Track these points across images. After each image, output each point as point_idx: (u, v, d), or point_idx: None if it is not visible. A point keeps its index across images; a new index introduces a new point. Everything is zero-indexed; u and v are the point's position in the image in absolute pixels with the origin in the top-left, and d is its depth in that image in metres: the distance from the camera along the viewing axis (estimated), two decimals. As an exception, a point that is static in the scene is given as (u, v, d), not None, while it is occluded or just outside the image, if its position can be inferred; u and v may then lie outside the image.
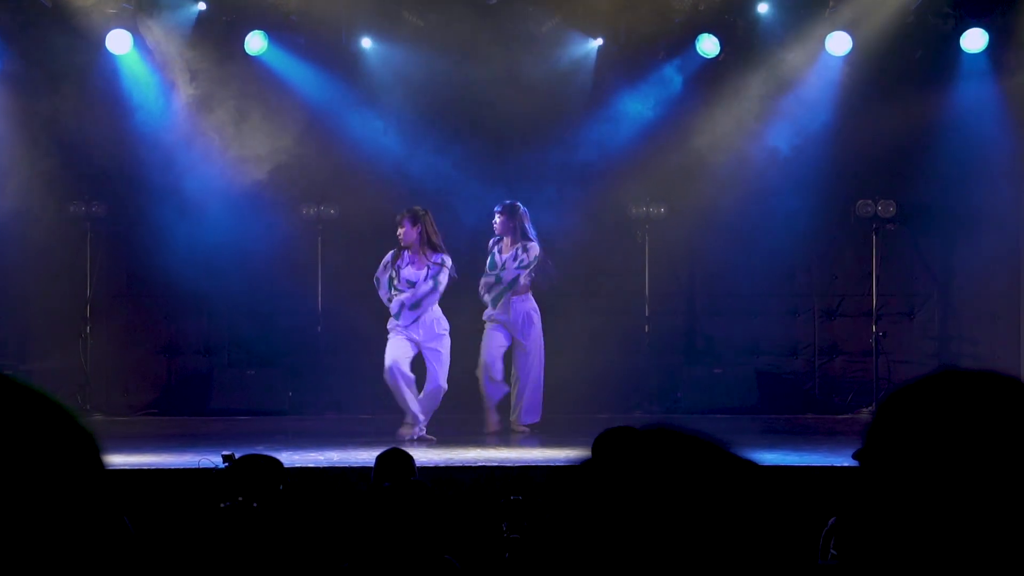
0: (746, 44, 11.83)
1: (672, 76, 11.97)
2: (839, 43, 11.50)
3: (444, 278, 9.87)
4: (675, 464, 1.05)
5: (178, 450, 8.85)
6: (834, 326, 12.34)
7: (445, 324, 9.99)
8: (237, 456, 5.25)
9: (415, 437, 9.67)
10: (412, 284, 9.87)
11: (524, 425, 10.45)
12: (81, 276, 11.96)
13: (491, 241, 10.49)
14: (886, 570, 1.16)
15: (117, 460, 8.05)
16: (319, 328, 12.03)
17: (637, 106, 12.06)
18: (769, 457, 8.24)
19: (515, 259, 10.32)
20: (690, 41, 11.71)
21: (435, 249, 9.92)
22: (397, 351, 9.88)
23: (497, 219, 10.39)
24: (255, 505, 4.11)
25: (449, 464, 8.11)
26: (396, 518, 5.04)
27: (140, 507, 6.81)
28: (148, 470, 7.52)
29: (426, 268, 9.87)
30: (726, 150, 12.04)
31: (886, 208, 11.97)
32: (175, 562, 4.44)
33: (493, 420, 10.45)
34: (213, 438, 9.39)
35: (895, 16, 11.40)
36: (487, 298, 10.43)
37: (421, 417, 9.83)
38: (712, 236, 12.16)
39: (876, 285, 12.14)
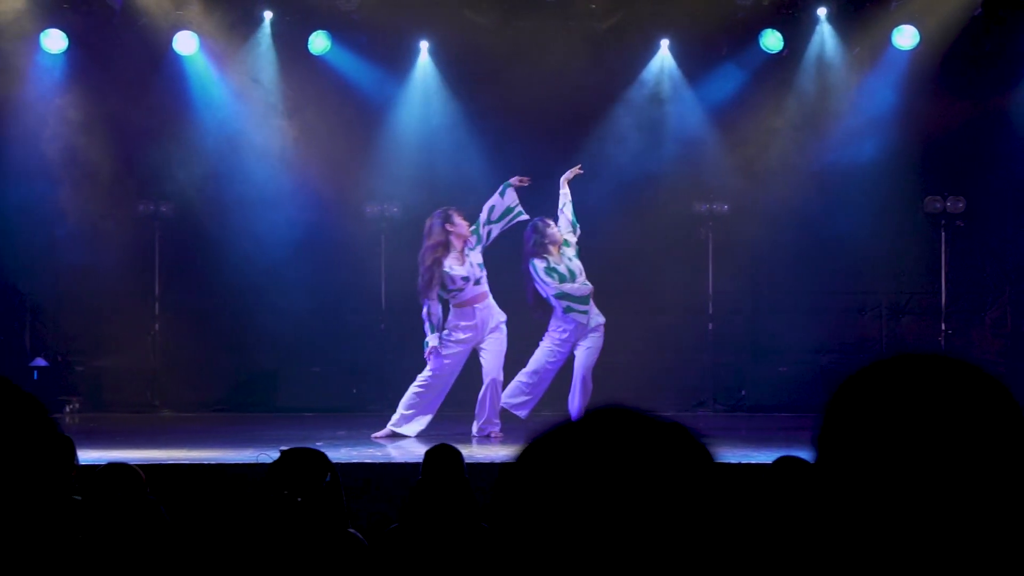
0: (810, 39, 11.72)
1: (735, 72, 11.88)
2: (905, 37, 11.35)
3: None
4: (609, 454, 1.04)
5: (241, 446, 8.96)
6: (901, 324, 12.17)
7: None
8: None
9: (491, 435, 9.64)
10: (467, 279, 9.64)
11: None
12: (150, 274, 12.15)
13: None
14: (845, 553, 1.15)
15: (182, 455, 8.18)
16: (382, 326, 12.12)
17: (700, 102, 11.99)
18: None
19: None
20: (753, 37, 11.62)
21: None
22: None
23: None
24: (299, 500, 4.15)
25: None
26: (447, 510, 5.07)
27: (197, 501, 6.92)
28: (208, 465, 7.62)
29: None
30: (790, 146, 11.94)
31: (955, 204, 11.80)
32: (220, 551, 4.50)
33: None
34: (277, 434, 9.49)
35: (963, 9, 11.22)
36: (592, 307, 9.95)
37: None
38: (776, 233, 12.05)
39: (945, 282, 11.97)
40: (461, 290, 9.58)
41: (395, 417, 9.81)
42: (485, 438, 9.62)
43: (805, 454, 5.16)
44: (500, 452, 8.76)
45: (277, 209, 11.87)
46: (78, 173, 11.76)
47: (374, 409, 11.90)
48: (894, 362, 1.19)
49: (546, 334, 9.84)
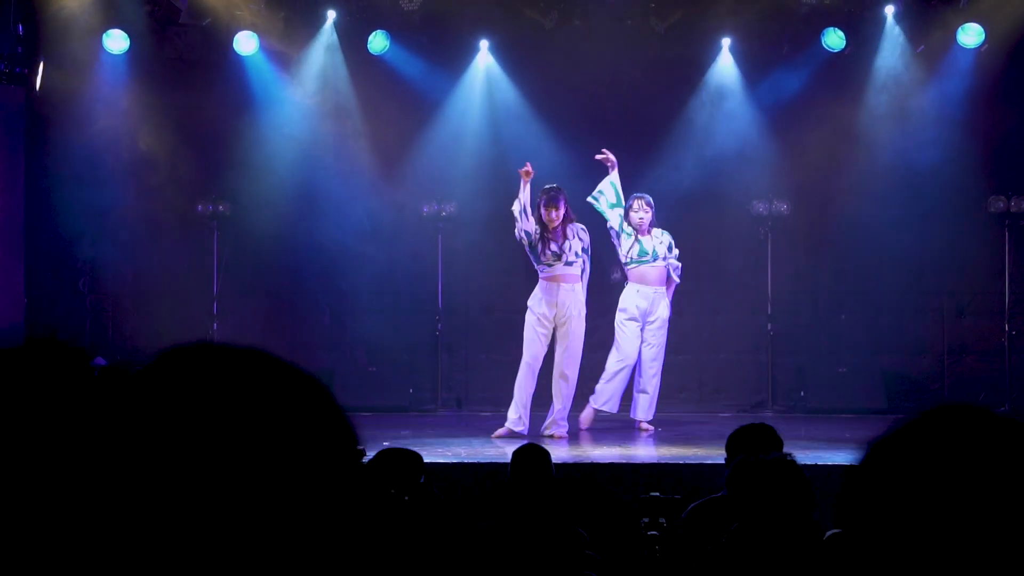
0: (873, 37, 11.62)
1: (797, 71, 11.80)
2: (971, 35, 11.23)
3: None
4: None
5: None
6: (963, 325, 12.03)
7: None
8: (369, 452, 5.29)
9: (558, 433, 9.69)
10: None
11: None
12: (208, 274, 12.19)
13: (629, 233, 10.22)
14: None
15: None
16: (439, 326, 12.10)
17: (761, 102, 11.92)
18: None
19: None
20: (816, 35, 11.53)
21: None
22: None
23: (649, 211, 10.22)
24: (406, 498, 4.13)
25: (579, 461, 8.09)
26: (536, 511, 5.03)
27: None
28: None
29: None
30: (851, 146, 11.84)
31: (1019, 204, 11.68)
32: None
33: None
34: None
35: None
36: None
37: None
38: (836, 233, 11.96)
39: (1008, 283, 11.83)
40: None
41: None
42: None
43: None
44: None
45: (335, 209, 11.89)
46: (138, 173, 11.81)
47: (429, 409, 11.90)
48: (927, 424, 1.07)
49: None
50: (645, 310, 10.12)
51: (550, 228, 9.66)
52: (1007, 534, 0.99)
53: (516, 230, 9.71)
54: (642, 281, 10.15)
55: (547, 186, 9.91)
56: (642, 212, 10.12)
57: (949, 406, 1.04)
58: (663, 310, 10.17)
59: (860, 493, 1.04)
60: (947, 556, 1.00)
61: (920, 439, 1.02)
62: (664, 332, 10.20)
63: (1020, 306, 11.92)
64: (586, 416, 10.22)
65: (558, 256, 9.64)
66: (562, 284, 9.68)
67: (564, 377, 9.71)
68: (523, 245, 9.74)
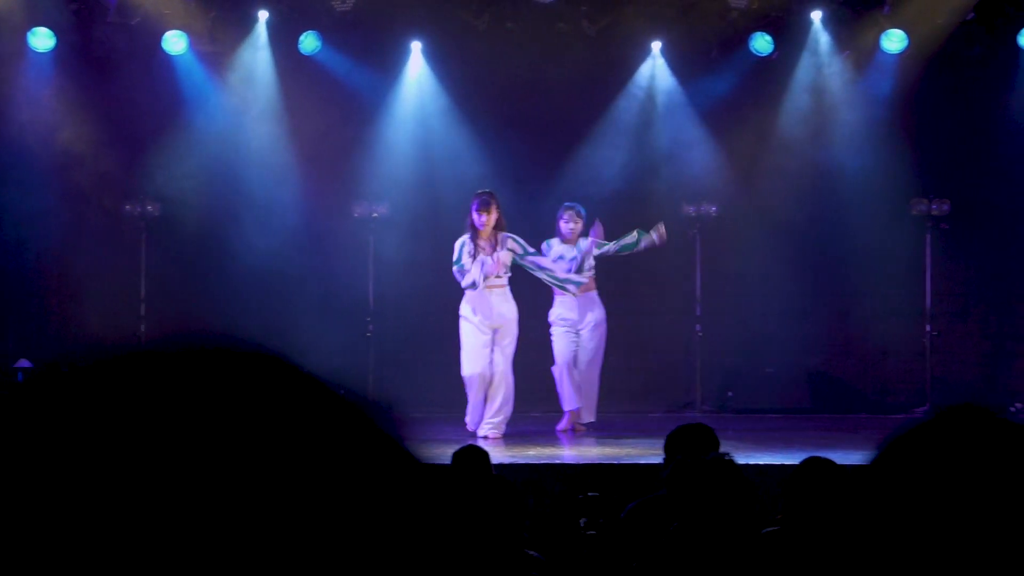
0: (800, 42, 11.81)
1: (726, 74, 11.95)
2: (895, 41, 11.46)
3: None
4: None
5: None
6: (886, 326, 12.26)
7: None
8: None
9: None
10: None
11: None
12: (136, 275, 12.03)
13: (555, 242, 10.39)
14: None
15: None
16: (370, 328, 12.04)
17: (691, 105, 12.06)
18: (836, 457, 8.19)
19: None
20: (744, 40, 11.68)
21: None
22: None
23: (579, 221, 10.30)
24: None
25: (516, 462, 8.13)
26: (474, 512, 5.07)
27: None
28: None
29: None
30: (777, 148, 12.02)
31: (940, 206, 11.92)
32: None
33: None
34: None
35: (954, 13, 11.33)
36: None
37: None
38: (764, 235, 12.13)
39: (930, 284, 12.08)
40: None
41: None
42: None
43: (800, 455, 5.20)
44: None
45: (265, 210, 11.83)
46: (65, 173, 11.65)
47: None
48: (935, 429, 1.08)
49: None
50: (573, 319, 10.24)
51: (481, 236, 9.64)
52: (1014, 538, 1.02)
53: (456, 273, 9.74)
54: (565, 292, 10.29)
55: (480, 191, 9.93)
56: (572, 222, 10.21)
57: (961, 407, 1.06)
58: (592, 316, 10.28)
59: (873, 492, 1.06)
60: (952, 556, 1.03)
61: (935, 439, 1.04)
62: (599, 335, 10.31)
63: (941, 307, 12.17)
64: (564, 423, 10.34)
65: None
66: (494, 291, 9.72)
67: (502, 380, 9.75)
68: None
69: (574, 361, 10.26)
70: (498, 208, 9.75)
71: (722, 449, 4.89)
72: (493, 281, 9.75)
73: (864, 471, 1.08)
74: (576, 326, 10.30)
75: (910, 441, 1.06)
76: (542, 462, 8.11)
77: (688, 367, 12.18)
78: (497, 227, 9.75)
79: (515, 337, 9.82)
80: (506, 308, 9.76)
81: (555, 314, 10.35)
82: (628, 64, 12.07)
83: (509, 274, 9.88)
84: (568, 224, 10.25)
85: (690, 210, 12.06)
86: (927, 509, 1.03)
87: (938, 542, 1.02)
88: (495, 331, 9.77)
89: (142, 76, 11.67)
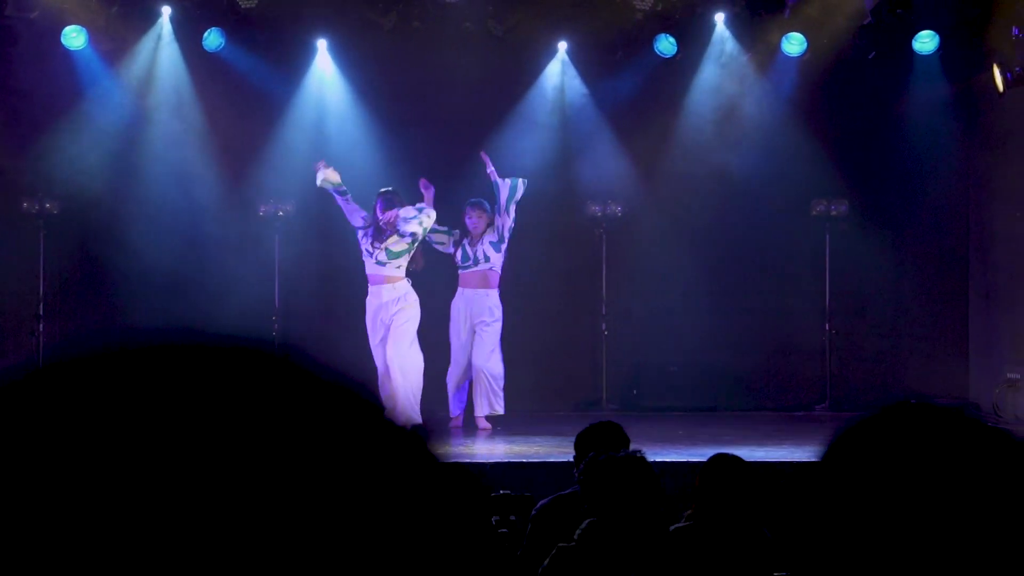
0: (703, 44, 11.96)
1: (631, 75, 12.06)
2: (795, 44, 11.66)
3: None
4: None
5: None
6: (788, 324, 12.47)
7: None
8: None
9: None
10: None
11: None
12: (35, 274, 11.81)
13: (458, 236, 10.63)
14: None
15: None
16: (275, 327, 11.95)
17: (596, 105, 12.15)
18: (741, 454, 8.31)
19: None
20: (649, 41, 11.79)
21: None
22: None
23: (484, 216, 10.51)
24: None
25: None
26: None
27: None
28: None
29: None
30: (682, 150, 12.17)
31: (839, 207, 12.16)
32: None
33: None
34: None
35: (851, 18, 11.57)
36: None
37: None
38: (669, 235, 12.27)
39: (829, 283, 12.32)
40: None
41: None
42: None
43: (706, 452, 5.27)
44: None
45: (168, 207, 11.67)
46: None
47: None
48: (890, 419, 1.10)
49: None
50: (470, 313, 10.38)
51: (383, 229, 9.89)
52: (971, 532, 1.03)
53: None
54: (466, 285, 10.50)
55: (383, 189, 10.13)
56: (476, 218, 10.40)
57: (907, 403, 1.08)
58: (489, 312, 10.41)
59: (821, 489, 1.08)
60: (904, 555, 1.04)
61: (881, 435, 1.06)
62: (495, 331, 10.42)
63: (839, 306, 12.42)
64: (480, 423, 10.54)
65: (370, 255, 10.06)
66: (384, 286, 9.98)
67: (396, 373, 9.84)
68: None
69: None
70: (401, 207, 9.98)
71: (635, 447, 4.95)
72: (374, 268, 10.07)
73: (813, 469, 1.10)
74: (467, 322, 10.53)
75: (856, 438, 1.09)
76: (451, 461, 8.11)
77: (594, 365, 12.27)
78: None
79: (405, 332, 9.93)
80: (390, 300, 10.00)
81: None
82: (534, 64, 12.13)
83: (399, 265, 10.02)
84: (474, 220, 10.40)
85: (596, 210, 12.16)
86: (878, 504, 1.05)
87: (889, 537, 1.04)
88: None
89: (40, 71, 11.44)
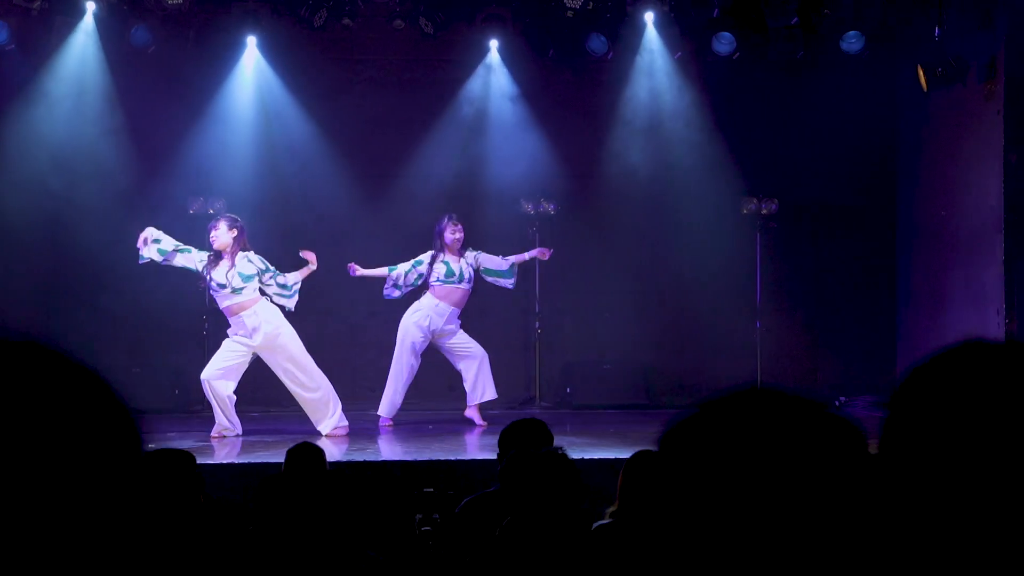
0: (633, 43, 12.01)
1: (562, 74, 12.10)
2: (725, 43, 11.74)
3: None
4: None
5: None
6: (720, 322, 12.57)
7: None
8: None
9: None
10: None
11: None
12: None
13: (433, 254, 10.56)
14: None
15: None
16: (206, 327, 11.86)
17: (528, 104, 12.16)
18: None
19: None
20: (580, 39, 11.82)
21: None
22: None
23: (461, 230, 10.53)
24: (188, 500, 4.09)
25: (353, 459, 8.10)
26: (310, 510, 5.03)
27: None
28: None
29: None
30: (614, 149, 12.22)
31: (768, 206, 12.27)
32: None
33: None
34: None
35: (778, 18, 11.65)
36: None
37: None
38: (601, 233, 12.33)
39: (760, 281, 12.43)
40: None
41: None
42: None
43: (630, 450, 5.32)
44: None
45: (97, 208, 11.54)
46: None
47: (196, 410, 11.67)
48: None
49: None
50: (437, 328, 10.33)
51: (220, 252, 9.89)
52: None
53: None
54: (446, 299, 10.46)
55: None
56: (457, 232, 10.38)
57: (749, 390, 1.12)
58: (453, 324, 10.53)
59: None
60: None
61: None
62: (465, 335, 10.57)
63: (770, 305, 12.54)
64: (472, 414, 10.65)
65: (222, 285, 9.94)
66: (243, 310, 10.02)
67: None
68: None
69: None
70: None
71: (559, 444, 4.96)
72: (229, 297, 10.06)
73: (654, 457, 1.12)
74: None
75: (687, 432, 1.10)
76: (379, 459, 8.10)
77: (527, 364, 12.29)
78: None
79: (288, 348, 9.94)
80: (261, 321, 9.99)
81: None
82: (466, 62, 12.12)
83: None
84: (457, 234, 10.49)
85: (529, 208, 12.18)
86: (717, 495, 1.07)
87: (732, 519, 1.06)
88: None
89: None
